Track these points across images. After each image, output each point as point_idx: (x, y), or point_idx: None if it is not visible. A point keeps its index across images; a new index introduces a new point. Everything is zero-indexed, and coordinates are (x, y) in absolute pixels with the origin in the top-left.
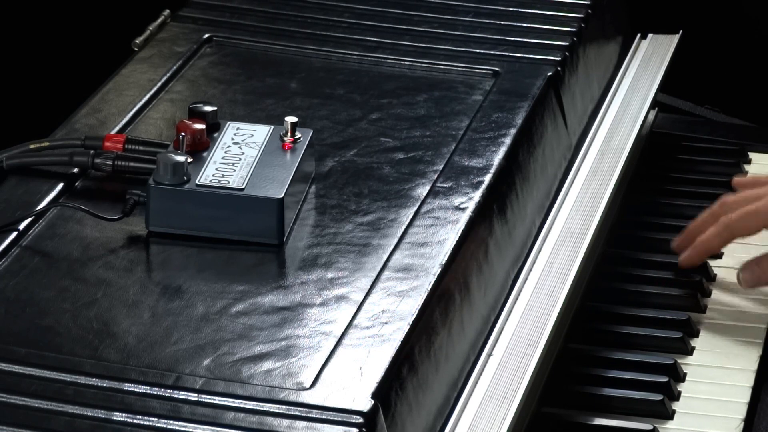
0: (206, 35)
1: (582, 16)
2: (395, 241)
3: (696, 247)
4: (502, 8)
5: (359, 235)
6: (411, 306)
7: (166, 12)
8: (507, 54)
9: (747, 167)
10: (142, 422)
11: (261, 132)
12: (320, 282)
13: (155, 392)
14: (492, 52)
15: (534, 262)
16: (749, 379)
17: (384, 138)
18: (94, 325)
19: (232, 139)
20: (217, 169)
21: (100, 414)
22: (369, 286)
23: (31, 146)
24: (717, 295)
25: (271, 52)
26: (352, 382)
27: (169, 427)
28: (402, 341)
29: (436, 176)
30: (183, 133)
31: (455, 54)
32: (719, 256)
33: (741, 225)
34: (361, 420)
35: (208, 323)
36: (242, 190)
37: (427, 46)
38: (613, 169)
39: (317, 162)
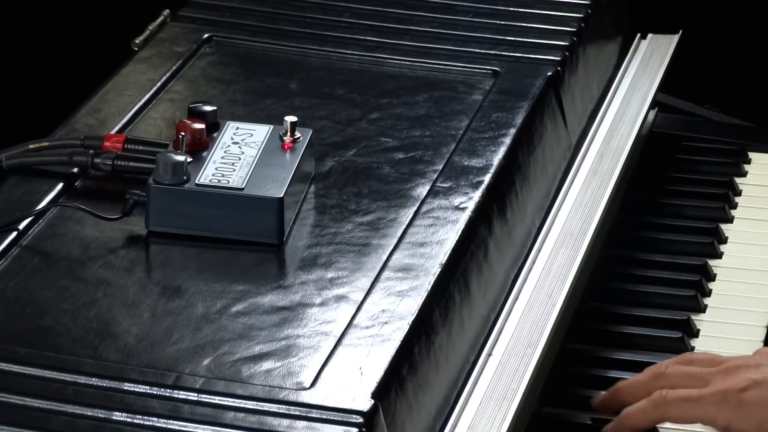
0: (206, 35)
1: (582, 16)
2: (395, 241)
3: (621, 420)
4: (502, 8)
5: (359, 234)
6: (411, 306)
7: (166, 12)
8: (507, 54)
9: (747, 167)
10: (142, 422)
11: (261, 132)
12: (320, 282)
13: (155, 392)
14: (492, 52)
15: (534, 262)
16: None
17: (384, 138)
18: (94, 325)
19: (232, 138)
20: (216, 169)
21: (100, 414)
22: (369, 286)
23: (31, 146)
24: (717, 295)
25: (271, 52)
26: (352, 382)
27: (169, 426)
28: (402, 341)
29: (435, 176)
30: (183, 133)
31: (455, 54)
32: (719, 256)
33: (676, 410)
34: (361, 420)
35: (208, 323)
36: (242, 189)
37: (427, 46)
38: (613, 169)
39: (317, 162)
